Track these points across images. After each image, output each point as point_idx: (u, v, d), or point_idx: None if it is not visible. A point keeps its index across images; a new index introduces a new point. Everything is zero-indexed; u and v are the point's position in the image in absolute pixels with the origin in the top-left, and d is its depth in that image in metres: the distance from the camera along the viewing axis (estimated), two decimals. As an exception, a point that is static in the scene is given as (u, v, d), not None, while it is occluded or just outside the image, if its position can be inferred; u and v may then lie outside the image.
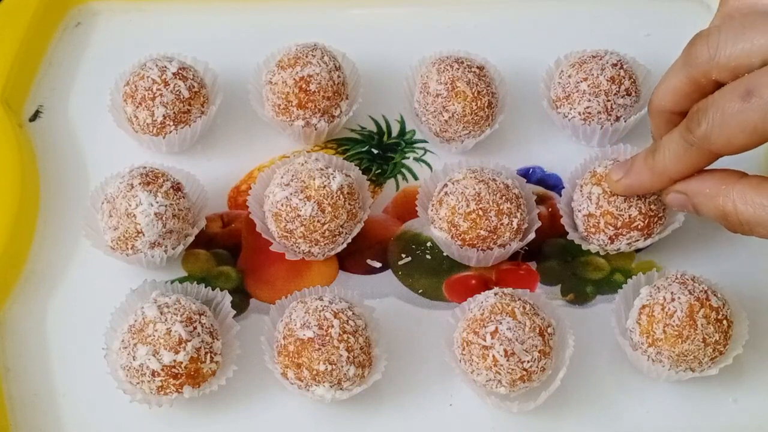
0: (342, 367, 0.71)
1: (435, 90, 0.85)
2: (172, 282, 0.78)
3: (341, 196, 0.78)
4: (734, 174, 0.68)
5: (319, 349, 0.71)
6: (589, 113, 0.85)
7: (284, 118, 0.86)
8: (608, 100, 0.84)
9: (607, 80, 0.84)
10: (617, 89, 0.84)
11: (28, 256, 0.83)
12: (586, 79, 0.85)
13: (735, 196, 0.67)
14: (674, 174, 0.71)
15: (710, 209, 0.69)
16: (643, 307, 0.74)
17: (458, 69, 0.84)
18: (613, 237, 0.79)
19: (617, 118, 0.85)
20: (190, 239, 0.81)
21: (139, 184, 0.77)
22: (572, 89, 0.85)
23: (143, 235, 0.77)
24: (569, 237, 0.81)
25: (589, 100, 0.85)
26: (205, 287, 0.78)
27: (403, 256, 0.83)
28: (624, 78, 0.85)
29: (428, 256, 0.83)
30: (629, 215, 0.78)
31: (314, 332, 0.71)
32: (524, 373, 0.71)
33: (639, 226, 0.78)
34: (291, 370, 0.72)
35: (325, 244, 0.79)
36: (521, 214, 0.79)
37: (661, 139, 0.71)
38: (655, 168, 0.72)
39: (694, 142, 0.67)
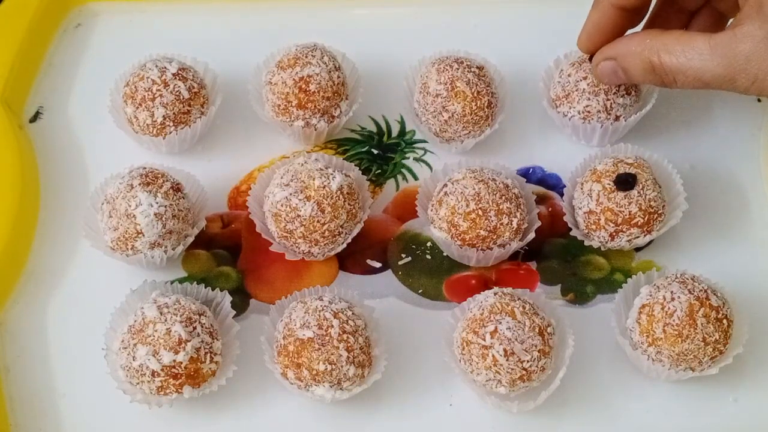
0: (342, 367, 0.71)
1: (435, 90, 0.85)
2: (172, 282, 0.78)
3: (341, 196, 0.78)
4: (656, 30, 0.75)
5: (319, 349, 0.71)
6: (589, 112, 0.85)
7: (284, 119, 0.86)
8: (608, 99, 0.84)
9: None
10: (617, 88, 0.84)
11: (28, 256, 0.83)
12: (585, 78, 0.85)
13: (659, 47, 0.73)
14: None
15: (638, 65, 0.75)
16: (643, 306, 0.74)
17: (458, 69, 0.84)
18: (614, 234, 0.79)
19: (617, 117, 0.85)
20: (190, 239, 0.81)
21: (139, 184, 0.77)
22: (572, 88, 0.85)
23: (143, 235, 0.77)
24: (572, 233, 0.81)
25: (589, 99, 0.85)
26: (205, 287, 0.78)
27: (403, 256, 0.83)
28: None
29: (428, 256, 0.83)
30: (629, 212, 0.78)
31: (314, 332, 0.71)
32: (524, 372, 0.71)
33: (639, 223, 0.78)
34: (291, 370, 0.72)
35: (324, 244, 0.79)
36: (521, 213, 0.79)
37: None
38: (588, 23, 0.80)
39: None
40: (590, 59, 0.83)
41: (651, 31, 0.75)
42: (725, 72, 0.70)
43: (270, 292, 0.81)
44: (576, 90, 0.85)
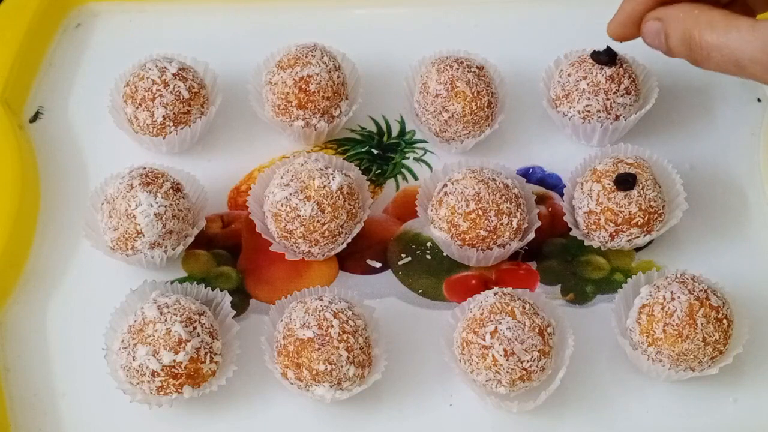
0: (342, 367, 0.71)
1: (435, 90, 0.85)
2: (172, 282, 0.78)
3: (341, 197, 0.78)
4: (706, 5, 0.74)
5: (319, 349, 0.71)
6: (589, 112, 0.85)
7: (284, 119, 0.86)
8: (607, 99, 0.84)
9: (607, 79, 0.84)
10: (616, 88, 0.84)
11: (28, 256, 0.83)
12: (585, 78, 0.85)
13: (703, 22, 0.72)
14: None
15: (678, 33, 0.74)
16: (643, 306, 0.74)
17: (458, 69, 0.84)
18: (614, 234, 0.79)
19: (617, 117, 0.85)
20: (190, 240, 0.81)
21: (139, 184, 0.77)
22: (571, 88, 0.85)
23: (143, 235, 0.77)
24: (572, 233, 0.81)
25: (589, 99, 0.85)
26: (205, 287, 0.78)
27: (403, 256, 0.83)
28: (623, 77, 0.84)
29: (428, 256, 0.83)
30: (629, 212, 0.78)
31: (314, 332, 0.71)
32: (524, 372, 0.71)
33: (639, 223, 0.78)
34: (291, 370, 0.72)
35: (324, 244, 0.79)
36: (521, 213, 0.79)
37: None
38: None
39: None
40: (592, 57, 0.84)
41: (701, 4, 0.75)
42: (763, 57, 0.69)
43: (270, 292, 0.81)
44: (576, 90, 0.85)
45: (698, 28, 0.72)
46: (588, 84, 0.84)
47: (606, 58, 0.84)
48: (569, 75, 0.86)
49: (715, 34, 0.71)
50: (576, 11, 0.98)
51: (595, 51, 0.85)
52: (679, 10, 0.75)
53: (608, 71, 0.84)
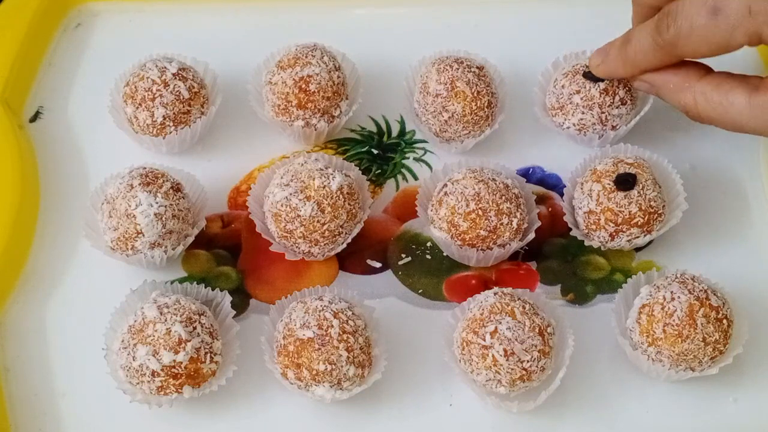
0: (342, 367, 0.71)
1: (435, 90, 0.85)
2: (172, 282, 0.78)
3: (341, 197, 0.78)
4: (697, 71, 0.73)
5: (319, 349, 0.71)
6: (584, 125, 0.85)
7: (284, 119, 0.86)
8: (602, 112, 0.84)
9: (601, 93, 0.83)
10: (611, 100, 0.83)
11: (28, 256, 0.83)
12: (578, 92, 0.84)
13: (696, 93, 0.72)
14: (643, 65, 0.76)
15: (673, 101, 0.75)
16: (643, 306, 0.74)
17: (458, 69, 0.84)
18: (614, 234, 0.79)
19: (613, 127, 0.85)
20: (190, 239, 0.81)
21: (139, 184, 0.77)
22: (566, 100, 0.85)
23: (143, 235, 0.77)
24: (572, 233, 0.81)
25: (583, 113, 0.84)
26: (205, 287, 0.78)
27: (403, 256, 0.83)
28: (618, 88, 0.83)
29: (428, 256, 0.83)
30: (629, 212, 0.78)
31: (314, 332, 0.71)
32: (524, 372, 0.71)
33: (639, 223, 0.78)
34: (291, 370, 0.72)
35: (324, 244, 0.79)
36: (521, 213, 0.79)
37: (635, 28, 0.76)
38: (626, 58, 0.77)
39: (662, 43, 0.72)
40: (584, 76, 0.84)
41: (692, 70, 0.74)
42: (763, 131, 0.70)
43: (270, 292, 0.81)
44: (570, 103, 0.85)
45: (693, 100, 0.73)
46: (582, 98, 0.84)
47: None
48: (563, 87, 0.85)
49: (711, 106, 0.72)
50: (576, 11, 0.98)
51: (587, 71, 0.83)
52: (668, 80, 0.75)
53: (602, 84, 0.84)
